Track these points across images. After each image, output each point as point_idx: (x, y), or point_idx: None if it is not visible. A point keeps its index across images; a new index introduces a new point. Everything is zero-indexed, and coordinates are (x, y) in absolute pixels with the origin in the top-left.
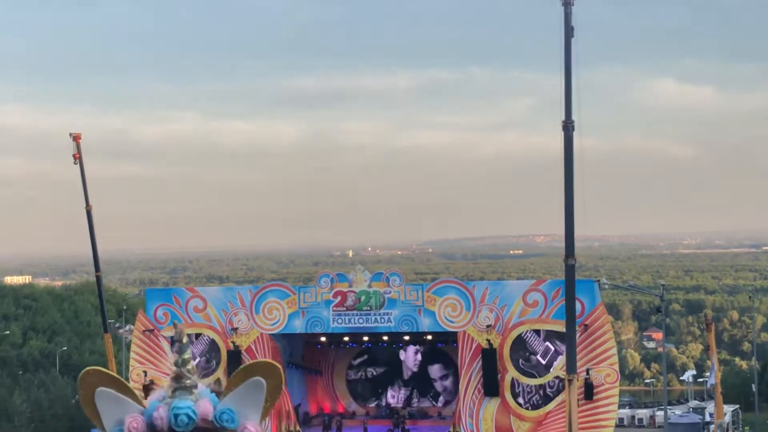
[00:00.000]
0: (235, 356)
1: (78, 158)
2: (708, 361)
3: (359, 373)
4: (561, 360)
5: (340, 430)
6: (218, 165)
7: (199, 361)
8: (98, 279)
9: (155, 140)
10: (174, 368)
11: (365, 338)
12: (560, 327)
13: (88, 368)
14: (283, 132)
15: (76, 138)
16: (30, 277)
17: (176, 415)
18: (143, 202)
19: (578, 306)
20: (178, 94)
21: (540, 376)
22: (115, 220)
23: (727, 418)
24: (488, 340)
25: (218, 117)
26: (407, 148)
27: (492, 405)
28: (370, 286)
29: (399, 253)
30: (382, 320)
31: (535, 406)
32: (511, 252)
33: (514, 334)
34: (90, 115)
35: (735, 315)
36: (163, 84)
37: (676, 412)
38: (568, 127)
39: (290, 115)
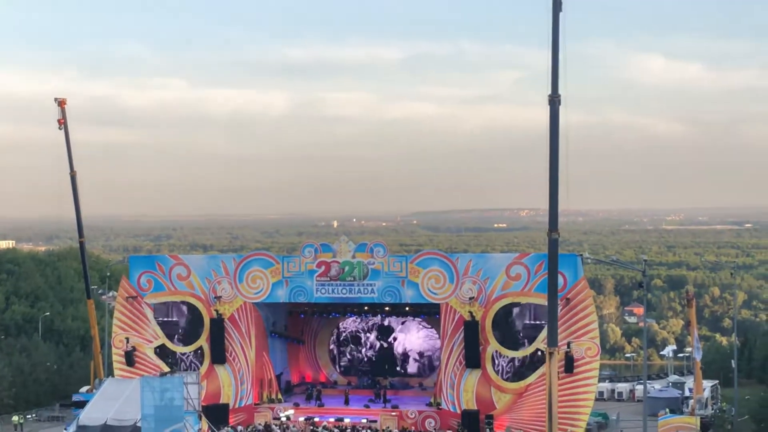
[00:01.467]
0: (218, 324)
1: (63, 123)
2: (689, 337)
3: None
4: (542, 333)
5: (319, 399)
6: (205, 133)
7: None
8: (82, 245)
9: (142, 107)
10: None
11: (348, 308)
12: (542, 300)
13: None
14: (271, 102)
15: (61, 103)
16: (13, 242)
17: None
18: (128, 169)
19: (561, 280)
20: (166, 62)
21: (521, 349)
22: (100, 187)
23: (707, 393)
24: (471, 313)
25: (205, 85)
26: (394, 120)
27: (473, 376)
28: (354, 256)
29: (383, 224)
30: (366, 291)
31: (516, 379)
32: (496, 225)
33: (497, 306)
34: (76, 81)
35: (716, 291)
36: (150, 51)
37: (656, 387)
38: (554, 101)
39: (278, 86)
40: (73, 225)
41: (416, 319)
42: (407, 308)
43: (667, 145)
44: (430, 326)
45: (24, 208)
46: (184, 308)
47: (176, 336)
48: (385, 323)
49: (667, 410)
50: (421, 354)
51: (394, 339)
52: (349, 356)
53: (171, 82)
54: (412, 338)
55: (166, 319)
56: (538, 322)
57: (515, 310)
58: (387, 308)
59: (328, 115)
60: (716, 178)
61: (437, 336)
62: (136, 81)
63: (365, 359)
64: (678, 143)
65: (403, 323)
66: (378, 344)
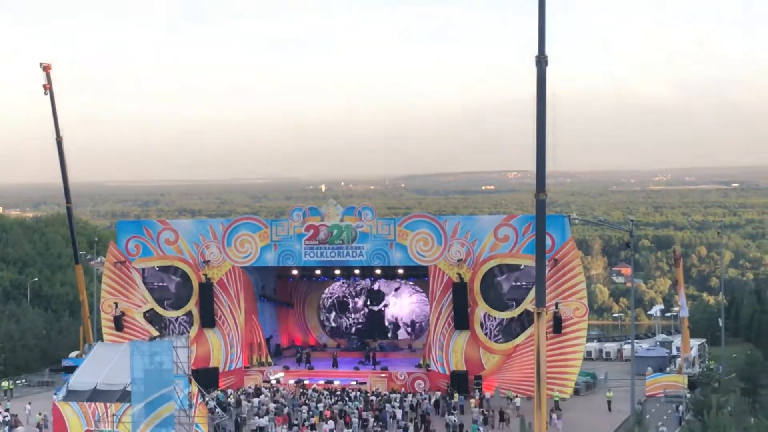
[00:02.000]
0: (206, 288)
1: (48, 89)
2: (676, 296)
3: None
4: (530, 294)
5: (308, 362)
6: (193, 99)
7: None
8: (69, 210)
9: (130, 72)
10: None
11: (337, 272)
12: (530, 261)
13: None
14: (261, 67)
15: (46, 68)
16: (0, 208)
17: None
18: (116, 135)
19: (548, 241)
20: (155, 25)
21: (509, 310)
22: (87, 152)
23: (694, 352)
24: (459, 274)
25: (195, 51)
26: (382, 85)
27: (462, 338)
28: (342, 220)
29: (372, 188)
30: (354, 254)
31: (505, 339)
32: (483, 188)
33: (485, 268)
34: (63, 45)
35: (703, 251)
36: (139, 11)
37: (644, 346)
38: (541, 62)
39: (268, 52)
40: (60, 191)
41: (408, 283)
42: (396, 271)
43: (654, 106)
44: (421, 290)
45: (11, 174)
46: (173, 273)
47: (165, 300)
48: (375, 287)
49: (650, 368)
50: (412, 322)
51: (385, 306)
52: (334, 323)
53: (160, 47)
54: (403, 304)
55: (154, 283)
56: (526, 283)
57: (503, 272)
58: (377, 271)
59: (317, 80)
60: (703, 138)
61: (428, 301)
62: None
63: (352, 325)
64: (665, 104)
65: (396, 290)
66: (366, 310)
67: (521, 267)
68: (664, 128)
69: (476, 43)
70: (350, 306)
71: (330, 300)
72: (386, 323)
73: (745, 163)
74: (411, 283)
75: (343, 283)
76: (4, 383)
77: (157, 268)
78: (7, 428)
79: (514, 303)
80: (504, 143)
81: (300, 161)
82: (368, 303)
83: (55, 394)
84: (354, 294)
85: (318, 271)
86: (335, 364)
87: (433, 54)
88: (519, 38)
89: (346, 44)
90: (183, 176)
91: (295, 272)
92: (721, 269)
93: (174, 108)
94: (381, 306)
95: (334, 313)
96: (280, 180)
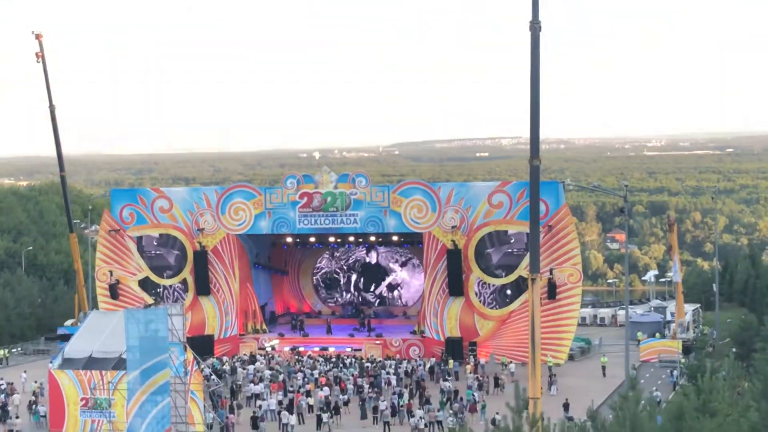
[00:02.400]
0: (201, 256)
1: (41, 57)
2: (670, 262)
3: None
4: (525, 260)
5: (302, 329)
6: (184, 64)
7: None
8: (63, 179)
9: (123, 39)
10: None
11: (331, 239)
12: (524, 228)
13: None
14: (251, 29)
15: (38, 37)
16: None
17: None
18: (109, 103)
19: (543, 207)
20: None
21: (504, 276)
22: (81, 121)
23: (688, 317)
24: (453, 241)
25: (184, 12)
26: (375, 51)
27: (456, 304)
28: (336, 187)
29: (365, 155)
30: (348, 221)
31: (499, 306)
32: (477, 155)
33: (479, 234)
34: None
35: (698, 216)
36: None
37: (638, 312)
38: (534, 27)
39: (258, 12)
40: (53, 160)
41: (412, 260)
42: (391, 238)
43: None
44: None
45: (4, 143)
46: (167, 240)
47: (160, 268)
48: (369, 260)
49: (641, 333)
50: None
51: (394, 287)
52: (329, 297)
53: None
54: (412, 285)
55: (149, 251)
56: (520, 250)
57: (497, 238)
58: (371, 238)
59: (309, 43)
60: (698, 103)
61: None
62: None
63: (346, 300)
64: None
65: (403, 265)
66: (361, 286)
67: (516, 233)
68: (659, 93)
69: (471, 6)
70: (341, 283)
71: (316, 278)
72: (383, 296)
73: (739, 128)
74: (413, 257)
75: (329, 258)
76: (0, 352)
77: (151, 236)
78: (2, 396)
79: (508, 269)
80: (498, 109)
81: (293, 129)
82: (363, 284)
83: (51, 362)
84: (347, 268)
85: (312, 239)
86: (329, 331)
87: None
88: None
89: (336, 17)
90: (177, 144)
91: (289, 240)
92: (716, 234)
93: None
94: (384, 286)
95: (324, 291)
96: (273, 148)
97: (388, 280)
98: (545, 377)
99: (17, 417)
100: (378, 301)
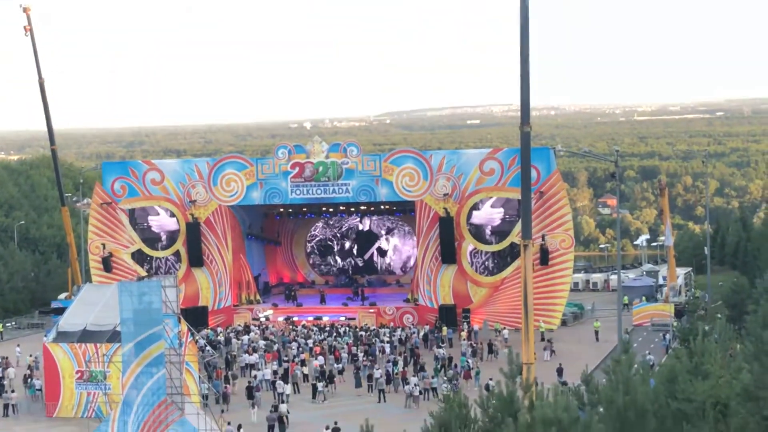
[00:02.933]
0: (194, 228)
1: (29, 30)
2: (662, 226)
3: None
4: (517, 227)
5: (295, 299)
6: (176, 33)
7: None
8: (53, 152)
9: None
10: None
11: (323, 209)
12: (516, 194)
13: None
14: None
15: (26, 10)
16: None
17: None
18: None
19: (534, 173)
20: None
21: (496, 243)
22: (70, 94)
23: (680, 281)
24: (445, 209)
25: None
26: (366, 18)
27: (449, 272)
28: (327, 157)
29: (356, 124)
30: (340, 191)
31: (492, 272)
32: (468, 122)
33: (471, 202)
34: None
35: (689, 180)
36: None
37: (630, 276)
38: None
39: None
40: (44, 134)
41: (402, 226)
42: (383, 207)
43: (638, 36)
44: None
45: None
46: (159, 213)
47: (152, 240)
48: (362, 227)
49: (626, 298)
50: (403, 265)
51: (380, 252)
52: (323, 265)
53: None
54: (401, 250)
55: (141, 224)
56: (512, 216)
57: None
58: (363, 207)
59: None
60: (687, 69)
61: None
62: None
63: (339, 267)
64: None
65: (389, 232)
66: (354, 252)
67: (508, 200)
68: (649, 59)
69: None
70: (334, 250)
71: (311, 245)
72: (378, 267)
73: (729, 93)
74: (403, 224)
75: (324, 225)
76: None
77: (143, 209)
78: None
79: (500, 236)
80: (489, 77)
81: (284, 100)
82: (357, 247)
83: (45, 335)
84: (340, 236)
85: (305, 209)
86: (323, 301)
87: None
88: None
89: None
90: (167, 116)
91: (281, 210)
92: (707, 198)
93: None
94: (372, 251)
95: (317, 257)
96: (264, 119)
97: (377, 244)
98: (541, 343)
99: (13, 391)
100: (368, 267)
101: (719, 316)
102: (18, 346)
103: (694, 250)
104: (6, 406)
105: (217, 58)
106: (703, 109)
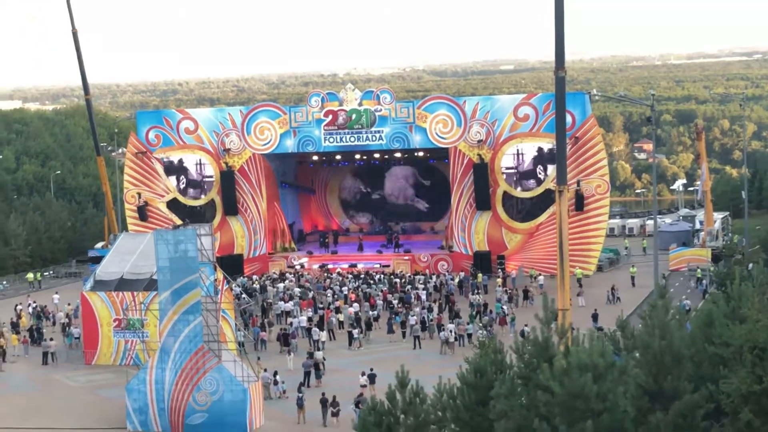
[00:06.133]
0: (228, 177)
1: None
2: (698, 171)
3: (353, 191)
4: (552, 172)
5: (336, 243)
6: None
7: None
8: (88, 102)
9: None
10: None
11: (357, 156)
12: (551, 140)
13: None
14: None
15: None
16: (20, 102)
17: None
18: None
19: (569, 118)
20: None
21: (531, 189)
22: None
23: (717, 225)
24: (479, 155)
25: None
26: None
27: (484, 219)
28: (360, 104)
29: (389, 71)
30: (374, 138)
31: (526, 218)
32: (502, 68)
33: (505, 148)
34: None
35: (726, 124)
36: None
37: (667, 221)
38: None
39: None
40: (78, 85)
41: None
42: (417, 153)
43: None
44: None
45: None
46: (194, 161)
47: (187, 189)
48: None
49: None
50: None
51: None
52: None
53: None
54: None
55: (176, 172)
56: (548, 162)
57: (524, 151)
58: (397, 155)
59: None
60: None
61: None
62: None
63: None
64: None
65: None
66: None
67: (542, 146)
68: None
69: None
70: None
71: (343, 195)
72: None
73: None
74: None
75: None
76: (29, 275)
77: (178, 158)
78: (36, 319)
79: (536, 182)
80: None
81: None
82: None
83: (83, 284)
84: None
85: (338, 156)
86: (360, 248)
87: None
88: None
89: None
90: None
91: (315, 158)
92: (744, 142)
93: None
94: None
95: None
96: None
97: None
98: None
99: (51, 339)
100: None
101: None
102: (55, 293)
103: (732, 194)
104: (45, 355)
105: (248, 7)
106: (740, 51)
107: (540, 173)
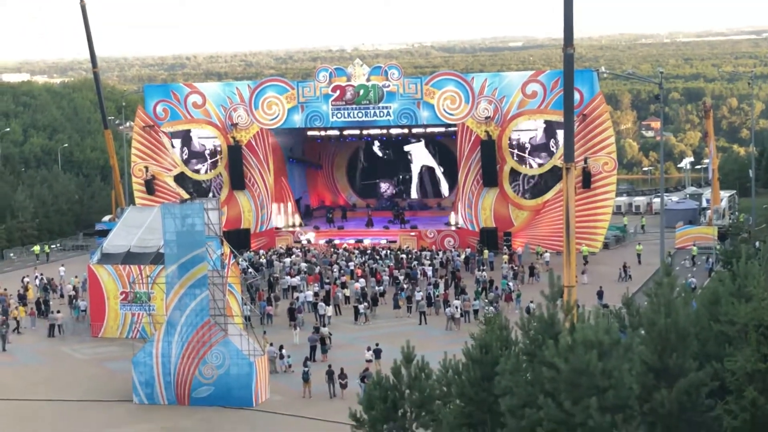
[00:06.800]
0: (235, 151)
1: None
2: (706, 149)
3: (359, 166)
4: (559, 150)
5: (344, 218)
6: None
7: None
8: (96, 75)
9: None
10: None
11: (364, 132)
12: (559, 117)
13: None
14: None
15: None
16: (28, 75)
17: None
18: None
19: (577, 96)
20: None
21: (538, 166)
22: (111, 19)
23: (724, 204)
24: (487, 132)
25: None
26: None
27: (491, 195)
28: (368, 79)
29: (397, 47)
30: (381, 114)
31: (533, 195)
32: (510, 44)
33: (513, 125)
34: None
35: (734, 102)
36: None
37: (674, 199)
38: None
39: None
40: (86, 59)
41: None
42: (424, 130)
43: None
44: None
45: (37, 42)
46: (202, 135)
47: (194, 163)
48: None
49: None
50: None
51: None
52: (363, 187)
53: None
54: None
55: (183, 146)
56: (555, 139)
57: (532, 128)
58: (404, 131)
59: None
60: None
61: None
62: None
63: (380, 190)
64: None
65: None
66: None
67: (551, 122)
68: None
69: None
70: (377, 173)
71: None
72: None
73: None
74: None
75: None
76: (36, 248)
77: (185, 131)
78: (42, 291)
79: (543, 159)
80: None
81: (324, 24)
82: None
83: (90, 257)
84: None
85: (346, 132)
86: (370, 224)
87: None
88: None
89: None
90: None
91: (322, 133)
92: (752, 120)
93: None
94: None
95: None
96: (304, 43)
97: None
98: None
99: (58, 311)
100: (408, 190)
101: (763, 239)
102: (61, 266)
103: (739, 172)
104: (52, 327)
105: None
106: (749, 29)
107: (552, 147)
